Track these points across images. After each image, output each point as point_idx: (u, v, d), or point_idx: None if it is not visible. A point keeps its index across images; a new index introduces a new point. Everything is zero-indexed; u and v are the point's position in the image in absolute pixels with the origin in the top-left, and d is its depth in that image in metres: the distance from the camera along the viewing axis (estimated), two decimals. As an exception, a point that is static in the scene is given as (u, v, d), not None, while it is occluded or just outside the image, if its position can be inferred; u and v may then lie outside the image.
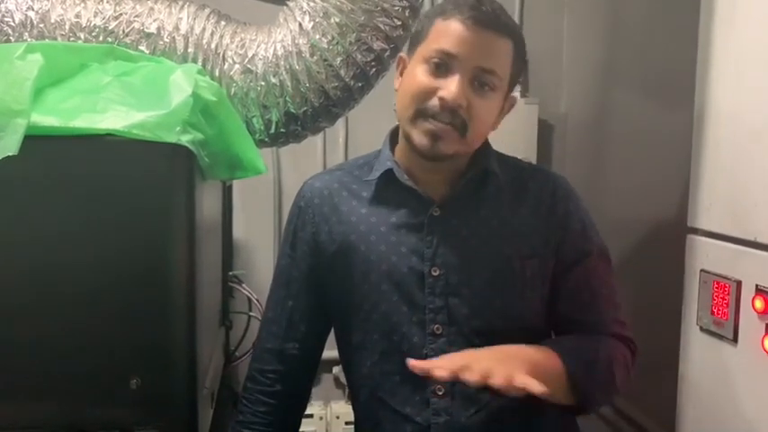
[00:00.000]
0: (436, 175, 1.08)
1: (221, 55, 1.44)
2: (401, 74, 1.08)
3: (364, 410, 1.14)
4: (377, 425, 1.10)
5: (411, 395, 1.06)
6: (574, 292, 1.09)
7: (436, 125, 0.99)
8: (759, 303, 1.12)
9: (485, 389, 0.90)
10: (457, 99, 0.98)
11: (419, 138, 1.01)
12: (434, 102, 0.99)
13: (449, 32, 1.00)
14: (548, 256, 1.09)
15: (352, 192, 1.12)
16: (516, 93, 2.27)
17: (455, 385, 1.03)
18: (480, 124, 1.02)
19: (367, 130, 1.92)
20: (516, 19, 2.32)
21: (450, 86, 0.98)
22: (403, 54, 1.10)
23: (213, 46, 1.44)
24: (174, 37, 1.42)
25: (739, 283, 1.17)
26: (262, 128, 1.47)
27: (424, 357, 1.04)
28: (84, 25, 1.40)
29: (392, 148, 1.12)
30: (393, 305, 1.06)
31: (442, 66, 1.00)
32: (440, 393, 1.04)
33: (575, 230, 1.10)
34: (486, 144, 1.12)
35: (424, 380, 1.03)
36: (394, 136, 1.13)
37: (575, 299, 1.10)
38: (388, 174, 1.09)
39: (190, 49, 1.43)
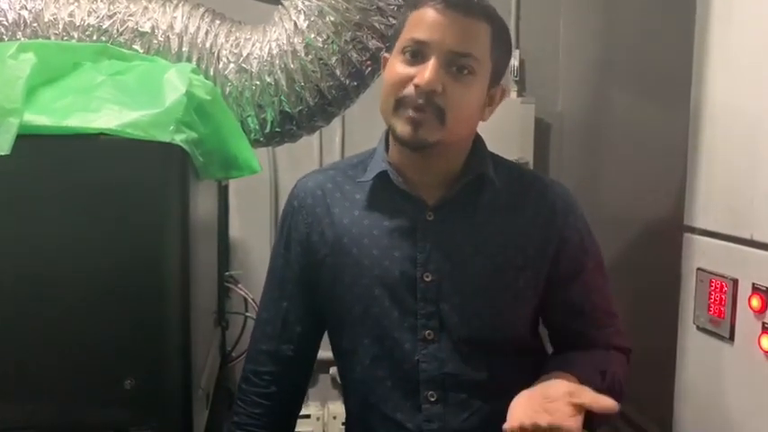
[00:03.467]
0: (430, 177, 1.07)
1: (216, 54, 1.43)
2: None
3: (356, 415, 1.14)
4: (368, 430, 1.10)
5: (402, 401, 1.05)
6: (573, 305, 1.09)
7: (416, 113, 0.98)
8: (755, 302, 1.12)
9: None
10: (430, 83, 0.96)
11: (401, 127, 0.99)
12: (410, 89, 0.98)
13: (421, 21, 0.99)
14: (542, 268, 1.07)
15: (345, 193, 1.11)
16: (512, 90, 2.31)
17: (447, 391, 1.03)
18: (460, 110, 1.00)
19: (364, 129, 1.91)
20: (513, 18, 2.32)
21: (424, 72, 0.97)
22: (386, 54, 1.09)
23: (208, 45, 1.43)
24: (168, 36, 1.42)
25: (736, 282, 1.17)
26: (257, 127, 1.46)
27: (416, 363, 1.04)
28: (77, 24, 1.39)
29: (387, 149, 1.10)
30: (384, 310, 1.05)
31: (417, 54, 0.99)
32: (432, 400, 1.04)
33: (573, 243, 1.09)
34: (483, 147, 1.10)
35: (416, 386, 1.03)
36: (389, 136, 1.11)
37: (575, 311, 1.10)
38: (382, 176, 1.07)
39: (184, 48, 1.42)
